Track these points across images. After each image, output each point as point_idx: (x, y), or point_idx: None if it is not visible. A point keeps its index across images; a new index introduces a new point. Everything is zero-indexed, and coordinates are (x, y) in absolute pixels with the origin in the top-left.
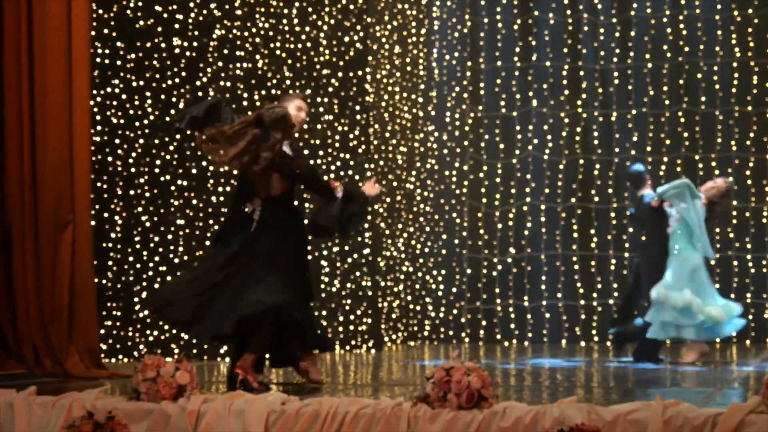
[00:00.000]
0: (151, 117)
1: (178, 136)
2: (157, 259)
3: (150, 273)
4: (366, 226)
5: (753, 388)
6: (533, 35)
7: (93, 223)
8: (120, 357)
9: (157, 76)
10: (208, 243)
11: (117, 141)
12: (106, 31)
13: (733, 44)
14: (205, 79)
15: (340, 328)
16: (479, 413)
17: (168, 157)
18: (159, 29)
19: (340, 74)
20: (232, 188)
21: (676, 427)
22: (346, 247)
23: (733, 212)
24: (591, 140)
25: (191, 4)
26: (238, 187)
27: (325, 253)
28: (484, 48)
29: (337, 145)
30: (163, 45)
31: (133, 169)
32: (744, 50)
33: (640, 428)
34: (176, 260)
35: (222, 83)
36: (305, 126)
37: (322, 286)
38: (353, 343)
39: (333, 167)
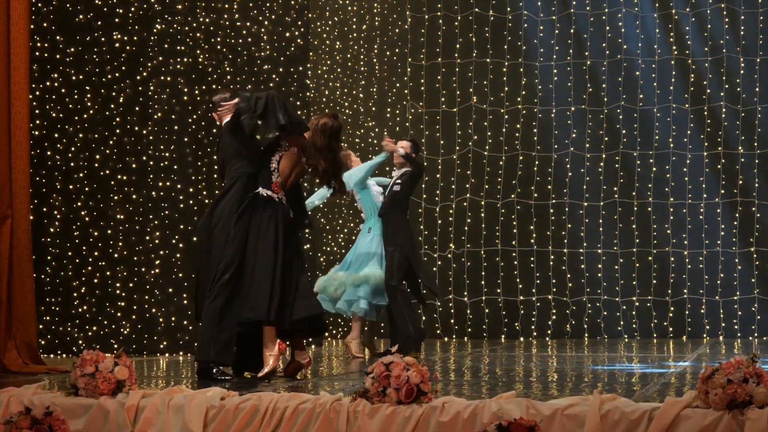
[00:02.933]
0: (91, 111)
1: (118, 131)
2: (96, 253)
3: (89, 268)
4: (306, 221)
5: (689, 383)
6: (474, 32)
7: (32, 217)
8: (59, 352)
9: (97, 70)
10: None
11: (56, 135)
12: (45, 24)
13: (671, 42)
14: (145, 74)
15: None
16: (418, 408)
17: (108, 151)
18: (99, 23)
19: (280, 69)
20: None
21: (613, 421)
22: None
23: (670, 209)
24: (531, 136)
25: None
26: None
27: None
28: (424, 44)
29: None
30: (103, 39)
31: (72, 164)
32: (681, 48)
33: (577, 422)
34: (116, 255)
35: (162, 78)
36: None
37: None
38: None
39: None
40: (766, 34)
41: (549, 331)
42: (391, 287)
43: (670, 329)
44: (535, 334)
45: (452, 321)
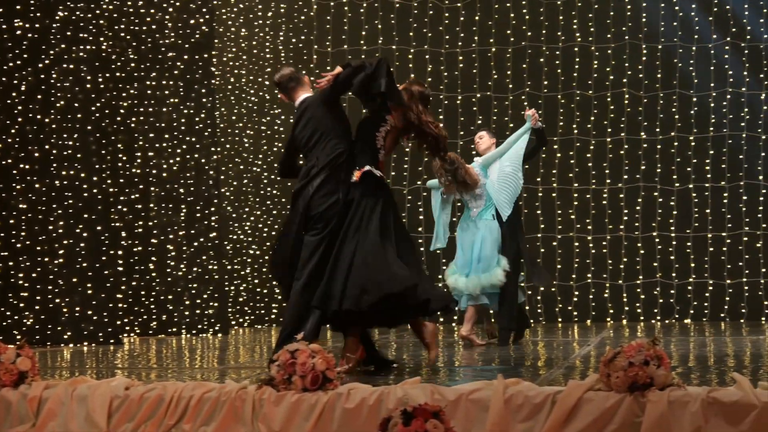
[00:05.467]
0: None
1: (20, 119)
2: None
3: None
4: (212, 209)
5: (593, 366)
6: (380, 18)
7: None
8: None
9: None
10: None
11: None
12: None
13: (575, 29)
14: (47, 61)
15: (187, 312)
16: (324, 395)
17: (9, 140)
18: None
19: (185, 57)
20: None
21: (517, 405)
22: (192, 231)
23: (574, 194)
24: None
25: None
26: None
27: (171, 237)
28: (330, 31)
29: (183, 128)
30: (4, 26)
31: None
32: (585, 35)
33: (481, 407)
34: (18, 245)
35: (65, 65)
36: None
37: (168, 270)
38: (200, 327)
39: (179, 150)
40: (668, 21)
41: (456, 318)
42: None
43: (575, 313)
44: (441, 320)
45: None
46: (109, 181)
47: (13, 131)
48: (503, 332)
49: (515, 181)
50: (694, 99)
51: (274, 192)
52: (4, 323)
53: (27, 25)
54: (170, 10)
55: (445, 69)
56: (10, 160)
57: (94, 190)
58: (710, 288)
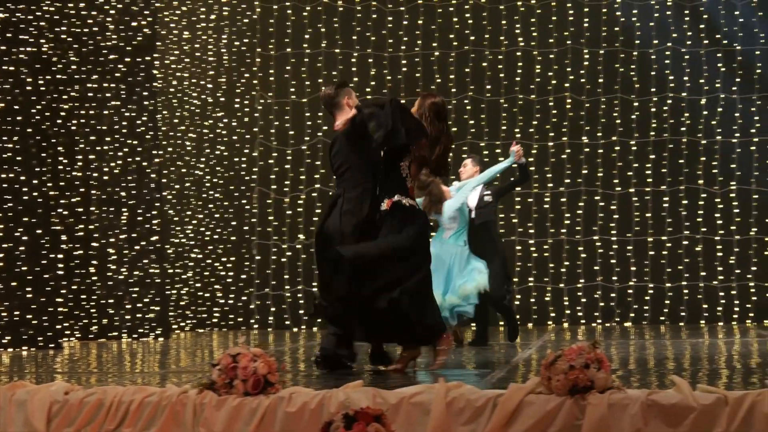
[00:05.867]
0: None
1: None
2: None
3: None
4: (154, 212)
5: (534, 369)
6: (323, 22)
7: None
8: None
9: None
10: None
11: None
12: None
13: (517, 34)
14: None
15: (128, 316)
16: (266, 399)
17: None
18: None
19: (127, 59)
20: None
21: (459, 408)
22: (134, 234)
23: (516, 198)
24: None
25: None
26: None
27: (112, 240)
28: (274, 34)
29: (124, 131)
30: None
31: None
32: (528, 40)
33: (423, 410)
34: None
35: (5, 67)
36: None
37: (109, 273)
38: (140, 331)
39: (120, 153)
40: (610, 26)
41: None
42: (503, 294)
43: (518, 316)
44: None
45: (301, 312)
46: (49, 184)
47: None
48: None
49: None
50: (635, 104)
51: (217, 195)
52: None
53: None
54: (112, 12)
55: (388, 73)
56: None
57: (34, 193)
58: (650, 291)
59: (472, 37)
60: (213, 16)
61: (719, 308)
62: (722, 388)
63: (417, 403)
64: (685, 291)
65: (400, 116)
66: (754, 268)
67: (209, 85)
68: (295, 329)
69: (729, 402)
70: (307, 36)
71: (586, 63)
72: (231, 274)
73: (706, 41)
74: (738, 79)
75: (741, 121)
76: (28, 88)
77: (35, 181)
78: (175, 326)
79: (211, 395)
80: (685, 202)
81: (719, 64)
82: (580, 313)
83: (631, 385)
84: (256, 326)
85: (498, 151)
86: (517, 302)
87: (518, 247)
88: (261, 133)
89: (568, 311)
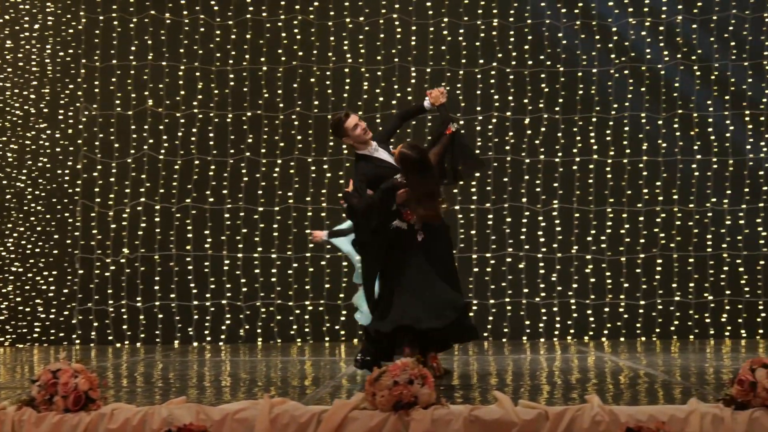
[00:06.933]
0: None
1: None
2: None
3: None
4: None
5: (359, 384)
6: (150, 34)
7: None
8: None
9: None
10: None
11: None
12: None
13: (345, 50)
14: None
15: None
16: (87, 415)
17: None
18: None
19: None
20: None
21: (283, 424)
22: None
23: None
24: (207, 141)
25: None
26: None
27: None
28: (99, 46)
29: None
30: None
31: None
32: (355, 56)
33: (247, 426)
34: None
35: None
36: None
37: None
38: None
39: None
40: (437, 44)
41: (223, 336)
42: None
43: (342, 332)
44: (209, 339)
45: (125, 327)
46: None
47: None
48: None
49: None
50: (461, 122)
51: (39, 208)
52: None
53: None
54: None
55: (215, 87)
56: None
57: None
58: (474, 308)
59: (301, 53)
60: (37, 26)
61: (541, 324)
62: (543, 404)
63: (241, 420)
64: (508, 308)
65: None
66: (575, 286)
67: (32, 96)
68: (118, 345)
69: (549, 417)
70: (133, 48)
71: (413, 81)
72: (53, 288)
73: (530, 62)
74: (561, 100)
75: (563, 141)
76: None
77: None
78: None
79: (31, 412)
80: (508, 219)
81: (542, 85)
82: None
83: (454, 400)
84: (78, 341)
85: (325, 167)
86: (342, 317)
87: (329, 263)
88: (85, 146)
89: None
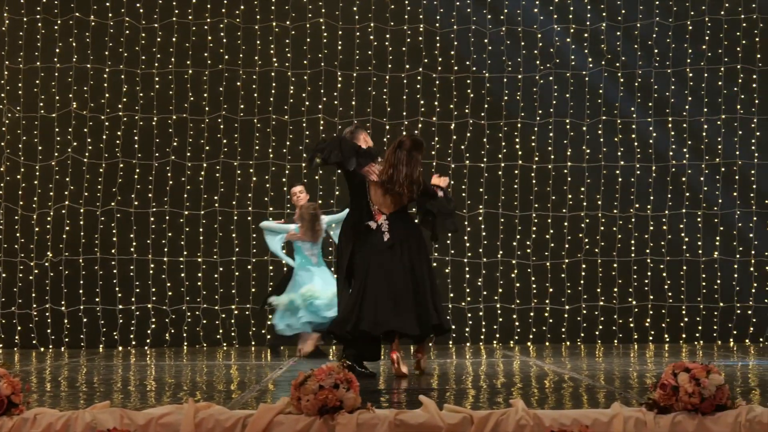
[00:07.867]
0: None
1: None
2: None
3: None
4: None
5: (286, 389)
6: (74, 36)
7: None
8: None
9: None
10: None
11: None
12: None
13: (272, 54)
14: None
15: None
16: (9, 420)
17: None
18: None
19: None
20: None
21: (208, 429)
22: None
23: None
24: (132, 144)
25: None
26: (358, 207)
27: None
28: (23, 47)
29: None
30: None
31: None
32: (282, 60)
33: (172, 431)
34: None
35: None
36: None
37: None
38: None
39: None
40: (364, 49)
41: (148, 340)
42: None
43: (268, 336)
44: (134, 343)
45: (49, 331)
46: None
47: None
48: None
49: None
50: (387, 127)
51: None
52: None
53: None
54: None
55: (140, 90)
56: None
57: None
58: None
59: (227, 56)
60: None
61: (467, 329)
62: (468, 408)
63: (166, 424)
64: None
65: (335, 147)
66: (500, 290)
67: None
68: (42, 349)
69: (474, 421)
70: (57, 50)
71: (339, 85)
72: None
73: (456, 68)
74: (486, 105)
75: (489, 146)
76: None
77: None
78: None
79: None
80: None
81: (468, 90)
82: None
83: (380, 405)
84: (1, 346)
85: (251, 170)
86: (268, 322)
87: (257, 266)
88: (8, 148)
89: None
